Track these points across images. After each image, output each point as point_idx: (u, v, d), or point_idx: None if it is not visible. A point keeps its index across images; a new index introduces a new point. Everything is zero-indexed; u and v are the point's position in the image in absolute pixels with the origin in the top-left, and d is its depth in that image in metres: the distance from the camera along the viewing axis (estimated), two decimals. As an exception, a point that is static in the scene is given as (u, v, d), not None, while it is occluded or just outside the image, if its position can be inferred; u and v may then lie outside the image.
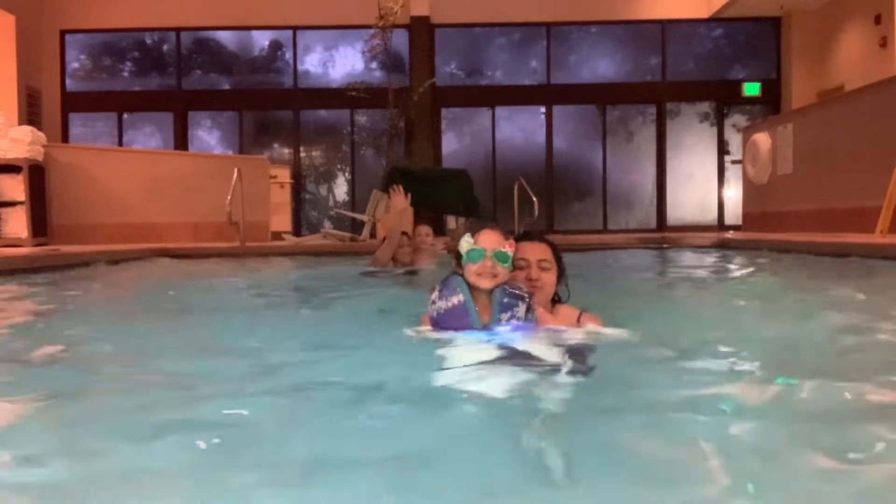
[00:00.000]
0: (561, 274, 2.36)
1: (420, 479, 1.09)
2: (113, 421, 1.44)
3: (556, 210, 14.29)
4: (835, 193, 8.24)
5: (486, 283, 2.10)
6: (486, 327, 2.06)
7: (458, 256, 2.18)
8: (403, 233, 5.21)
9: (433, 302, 2.13)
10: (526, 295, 2.13)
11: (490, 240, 2.14)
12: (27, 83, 12.46)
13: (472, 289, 2.11)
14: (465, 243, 2.15)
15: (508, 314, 2.06)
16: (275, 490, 1.08)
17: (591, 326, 2.20)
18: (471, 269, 2.12)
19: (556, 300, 2.36)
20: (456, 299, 2.10)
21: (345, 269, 5.84)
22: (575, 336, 2.09)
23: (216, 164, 10.70)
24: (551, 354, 1.87)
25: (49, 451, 1.28)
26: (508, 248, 2.14)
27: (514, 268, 2.23)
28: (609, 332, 2.18)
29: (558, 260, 2.38)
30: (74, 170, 9.31)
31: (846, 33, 12.79)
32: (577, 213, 14.54)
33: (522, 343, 1.95)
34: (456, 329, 2.09)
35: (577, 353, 1.90)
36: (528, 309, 2.10)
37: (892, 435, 1.29)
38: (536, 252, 2.32)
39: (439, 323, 2.11)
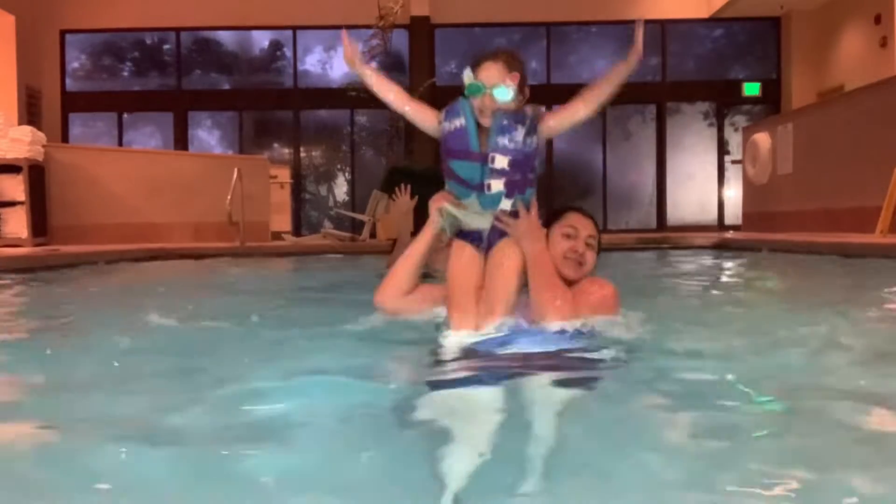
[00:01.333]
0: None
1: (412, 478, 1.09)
2: (110, 422, 1.44)
3: (556, 210, 14.28)
4: (835, 193, 8.24)
5: (485, 120, 2.03)
6: (483, 154, 2.02)
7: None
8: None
9: (440, 123, 2.10)
10: (528, 117, 2.04)
11: (490, 74, 2.02)
12: (27, 83, 12.46)
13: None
14: (467, 76, 2.06)
15: (507, 137, 2.00)
16: (272, 490, 1.08)
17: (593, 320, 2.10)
18: (473, 104, 2.04)
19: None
20: (458, 122, 2.06)
21: (360, 272, 5.80)
22: (575, 335, 2.05)
23: (216, 164, 10.70)
24: (550, 358, 1.85)
25: (42, 449, 1.28)
26: (510, 82, 2.02)
27: (555, 237, 2.16)
28: (607, 331, 2.13)
29: (600, 244, 2.31)
30: (74, 170, 9.31)
31: (846, 33, 12.79)
32: (577, 213, 14.53)
33: (523, 346, 1.93)
34: (458, 154, 2.05)
35: (576, 356, 1.89)
36: (529, 133, 2.02)
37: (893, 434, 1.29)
38: (587, 227, 2.24)
39: (444, 145, 2.09)
